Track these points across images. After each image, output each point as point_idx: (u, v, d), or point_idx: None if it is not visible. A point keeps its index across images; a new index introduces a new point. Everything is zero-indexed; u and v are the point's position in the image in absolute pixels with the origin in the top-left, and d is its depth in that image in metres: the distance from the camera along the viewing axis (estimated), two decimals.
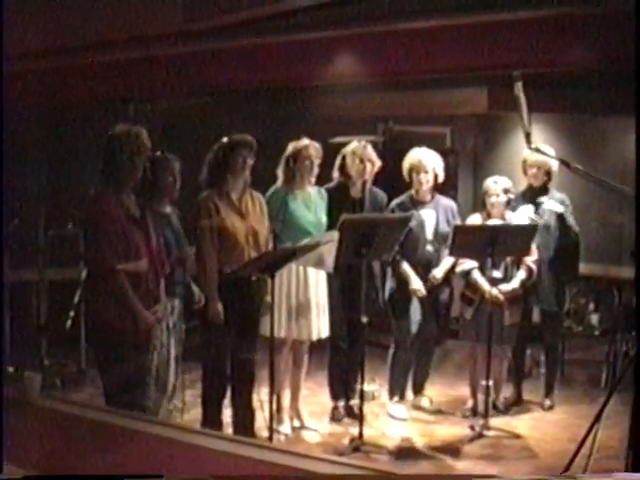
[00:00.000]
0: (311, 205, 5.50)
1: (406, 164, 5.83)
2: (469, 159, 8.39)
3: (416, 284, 5.72)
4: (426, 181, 5.75)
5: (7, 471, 3.74)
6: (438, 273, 5.78)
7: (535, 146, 4.88)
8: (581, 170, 4.70)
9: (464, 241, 5.44)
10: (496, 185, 5.72)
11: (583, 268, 7.30)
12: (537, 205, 5.90)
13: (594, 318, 7.80)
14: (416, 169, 5.75)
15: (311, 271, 5.40)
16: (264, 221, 5.14)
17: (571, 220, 5.92)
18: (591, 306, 7.90)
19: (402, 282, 5.77)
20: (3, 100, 4.27)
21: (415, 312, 5.80)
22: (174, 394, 4.98)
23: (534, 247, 5.70)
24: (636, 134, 4.27)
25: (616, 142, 7.67)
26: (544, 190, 5.92)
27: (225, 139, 5.02)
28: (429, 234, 5.78)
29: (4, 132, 4.24)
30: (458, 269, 5.80)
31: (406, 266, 5.74)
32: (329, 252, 4.99)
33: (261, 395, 5.09)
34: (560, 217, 5.86)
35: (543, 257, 5.86)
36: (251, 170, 5.04)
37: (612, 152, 7.65)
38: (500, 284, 5.67)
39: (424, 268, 5.77)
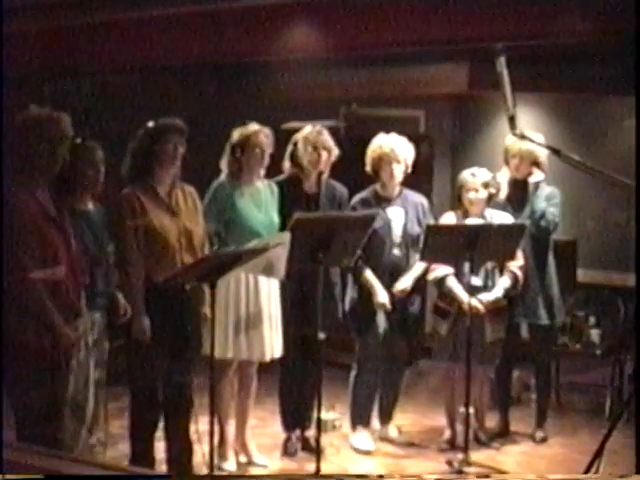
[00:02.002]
0: (261, 202, 5.60)
1: (372, 154, 5.91)
2: (446, 147, 8.49)
3: (381, 296, 5.80)
4: (398, 173, 5.85)
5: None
6: (405, 283, 5.87)
7: (520, 132, 4.97)
8: (574, 160, 4.82)
9: (438, 243, 5.52)
10: (474, 178, 5.82)
11: (582, 275, 7.44)
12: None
13: (595, 334, 7.83)
14: (386, 160, 5.83)
15: (262, 280, 5.49)
16: (198, 219, 5.19)
17: (552, 215, 5.99)
18: (591, 320, 7.91)
19: (365, 292, 5.86)
20: None
21: (381, 327, 5.89)
22: (95, 425, 4.98)
23: (519, 251, 5.81)
24: (636, 126, 4.39)
25: (620, 127, 7.75)
26: (527, 184, 6.05)
27: (151, 123, 5.05)
28: (397, 236, 5.89)
29: None
30: (430, 276, 5.92)
31: (369, 274, 5.83)
32: (280, 257, 5.02)
33: (200, 426, 5.16)
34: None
35: (531, 261, 5.99)
36: (183, 160, 5.07)
37: (615, 138, 7.73)
38: (480, 293, 5.80)
39: (391, 275, 5.87)
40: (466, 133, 8.42)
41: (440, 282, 5.90)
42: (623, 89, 7.05)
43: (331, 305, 5.77)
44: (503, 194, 6.05)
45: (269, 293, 5.58)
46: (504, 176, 6.08)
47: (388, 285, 5.85)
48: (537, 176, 6.01)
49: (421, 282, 6.00)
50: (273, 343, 5.59)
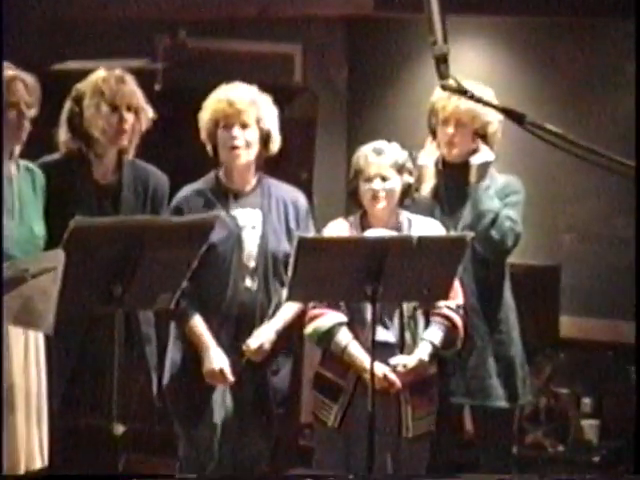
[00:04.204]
0: (14, 200, 5.61)
1: (205, 114, 5.95)
2: (338, 106, 8.66)
3: (216, 361, 5.82)
4: (244, 145, 5.86)
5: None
6: (263, 337, 5.89)
7: (456, 82, 4.98)
8: (548, 130, 4.86)
9: (319, 270, 5.53)
10: (379, 158, 5.85)
11: (567, 326, 7.57)
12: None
13: (590, 427, 7.98)
14: (223, 121, 5.86)
15: (16, 334, 5.45)
16: None
17: (511, 221, 6.04)
18: (584, 402, 8.07)
19: (194, 353, 5.87)
20: None
21: (219, 413, 5.92)
22: None
23: (457, 282, 5.86)
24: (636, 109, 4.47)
25: (623, 73, 7.95)
26: (468, 169, 6.09)
27: None
28: (250, 256, 5.93)
29: None
30: (309, 328, 5.93)
31: (199, 323, 5.86)
32: (46, 294, 4.99)
33: None
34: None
35: (475, 301, 6.08)
36: None
37: (615, 94, 7.93)
38: (393, 356, 5.85)
39: (238, 325, 5.90)
40: (369, 84, 8.50)
41: (325, 337, 5.90)
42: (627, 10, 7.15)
43: (138, 376, 5.83)
44: (428, 186, 6.11)
45: (26, 358, 5.55)
46: (430, 156, 6.16)
47: (233, 341, 5.89)
48: (483, 155, 6.08)
49: (292, 337, 6.06)
50: (32, 445, 5.56)
